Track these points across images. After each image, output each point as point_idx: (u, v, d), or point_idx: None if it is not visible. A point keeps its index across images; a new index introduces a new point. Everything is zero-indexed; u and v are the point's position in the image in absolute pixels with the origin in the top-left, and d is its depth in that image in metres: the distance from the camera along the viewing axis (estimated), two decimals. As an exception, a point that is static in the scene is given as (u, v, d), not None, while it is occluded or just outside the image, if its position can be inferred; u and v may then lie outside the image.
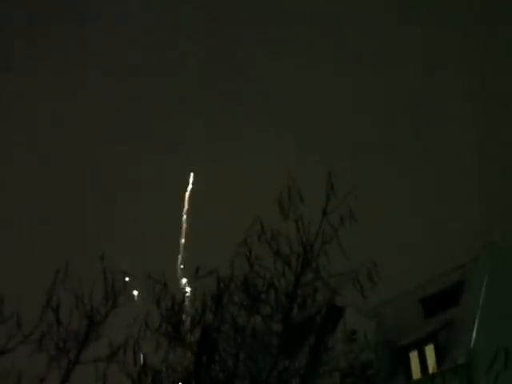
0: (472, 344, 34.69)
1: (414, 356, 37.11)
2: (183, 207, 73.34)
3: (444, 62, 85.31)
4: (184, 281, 18.11)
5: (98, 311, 17.99)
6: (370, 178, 69.20)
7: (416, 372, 36.66)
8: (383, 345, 36.54)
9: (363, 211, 18.11)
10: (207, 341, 17.88)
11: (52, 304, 17.81)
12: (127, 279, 17.86)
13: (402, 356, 37.32)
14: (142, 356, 17.57)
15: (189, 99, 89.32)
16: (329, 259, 17.36)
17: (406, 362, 37.17)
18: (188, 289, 18.06)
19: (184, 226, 70.96)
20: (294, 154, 75.74)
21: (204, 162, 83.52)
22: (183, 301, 17.32)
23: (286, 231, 17.25)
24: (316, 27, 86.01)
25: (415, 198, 77.79)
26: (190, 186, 75.32)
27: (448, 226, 70.84)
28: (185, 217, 72.41)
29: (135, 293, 18.16)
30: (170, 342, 17.46)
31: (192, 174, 75.71)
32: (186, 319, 17.45)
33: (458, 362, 33.91)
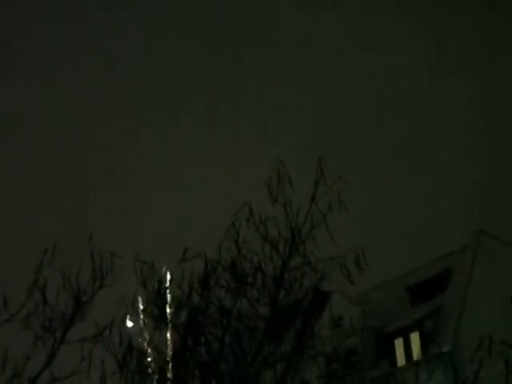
0: (457, 332, 34.85)
1: (399, 343, 37.28)
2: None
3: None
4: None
5: (85, 291, 17.98)
6: (358, 164, 69.33)
7: (401, 359, 36.84)
8: (368, 331, 36.68)
9: (352, 197, 18.15)
10: (193, 323, 17.91)
11: (39, 283, 17.80)
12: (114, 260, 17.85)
13: (386, 343, 37.47)
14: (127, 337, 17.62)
15: (182, 83, 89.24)
16: (317, 244, 17.40)
17: (390, 348, 37.35)
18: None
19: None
20: (283, 139, 75.77)
21: (194, 147, 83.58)
22: (170, 283, 17.35)
23: (274, 216, 17.28)
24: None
25: (405, 185, 77.99)
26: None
27: (437, 214, 71.08)
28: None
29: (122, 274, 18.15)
30: (155, 323, 17.50)
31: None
32: (173, 301, 17.48)
33: (442, 350, 34.06)
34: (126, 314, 17.32)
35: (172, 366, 18.30)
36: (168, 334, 18.17)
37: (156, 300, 17.34)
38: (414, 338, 36.86)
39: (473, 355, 15.26)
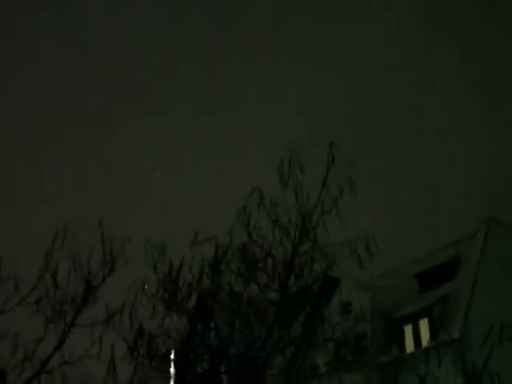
0: (466, 319, 34.79)
1: (408, 329, 37.23)
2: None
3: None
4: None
5: (96, 275, 18.06)
6: (369, 150, 69.14)
7: (410, 345, 36.77)
8: (378, 317, 36.70)
9: (362, 183, 18.12)
10: (203, 307, 17.96)
11: (50, 267, 17.88)
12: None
13: (396, 329, 37.42)
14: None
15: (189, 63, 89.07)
16: (327, 230, 17.39)
17: (399, 335, 37.32)
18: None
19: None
20: (295, 124, 75.64)
21: (205, 131, 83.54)
22: (180, 267, 17.36)
23: (285, 201, 17.28)
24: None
25: (415, 172, 77.84)
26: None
27: (446, 201, 70.99)
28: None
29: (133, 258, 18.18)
30: (166, 307, 17.53)
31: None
32: (183, 285, 17.50)
33: (451, 337, 33.98)
34: (136, 299, 17.33)
35: (182, 350, 18.36)
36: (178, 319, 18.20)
37: (166, 284, 17.36)
38: (423, 324, 36.77)
39: (484, 340, 15.27)
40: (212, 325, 18.37)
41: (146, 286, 17.38)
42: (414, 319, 37.35)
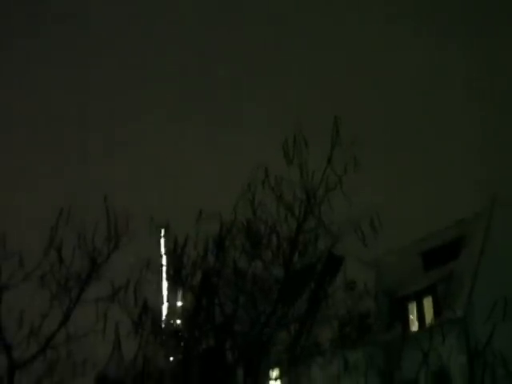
0: (470, 297, 34.85)
1: (412, 307, 37.32)
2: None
3: None
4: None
5: (101, 252, 18.11)
6: (374, 127, 68.94)
7: (414, 323, 36.88)
8: (382, 295, 36.74)
9: (367, 161, 18.08)
10: (208, 284, 17.98)
11: (54, 243, 17.93)
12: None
13: (400, 307, 37.50)
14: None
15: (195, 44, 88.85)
16: (332, 207, 17.37)
17: (404, 313, 37.38)
18: None
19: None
20: (300, 101, 75.45)
21: (209, 107, 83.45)
22: (185, 243, 17.37)
23: (289, 178, 17.26)
24: None
25: (419, 151, 77.69)
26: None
27: (451, 180, 70.83)
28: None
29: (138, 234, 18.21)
30: (170, 283, 17.57)
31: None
32: (188, 262, 17.52)
33: (455, 315, 34.05)
34: (141, 275, 17.37)
35: (187, 327, 18.41)
36: (183, 295, 18.25)
37: (171, 261, 17.39)
38: (427, 302, 36.85)
39: (487, 317, 15.30)
40: (217, 301, 18.39)
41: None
42: (418, 297, 37.41)
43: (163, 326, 18.11)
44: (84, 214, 18.24)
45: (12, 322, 17.98)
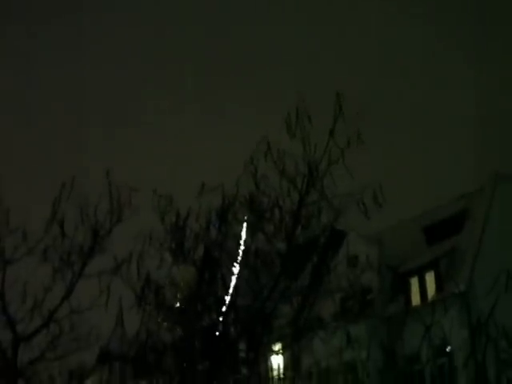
0: (473, 272, 34.83)
1: (414, 282, 37.30)
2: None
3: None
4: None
5: (103, 225, 18.11)
6: (378, 101, 68.67)
7: (416, 298, 36.87)
8: (384, 270, 36.76)
9: (370, 135, 18.01)
10: (210, 258, 17.98)
11: (57, 217, 17.94)
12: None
13: (402, 282, 37.49)
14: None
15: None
16: (334, 180, 17.31)
17: (406, 287, 37.38)
18: None
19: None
20: (303, 75, 75.28)
21: (212, 80, 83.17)
22: (187, 216, 17.34)
23: (292, 151, 17.19)
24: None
25: (423, 125, 77.49)
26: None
27: (455, 155, 70.74)
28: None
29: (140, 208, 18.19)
30: (173, 257, 17.54)
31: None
32: (190, 235, 17.50)
33: (458, 290, 34.05)
34: (143, 248, 17.34)
35: (189, 300, 18.41)
36: (186, 268, 18.23)
37: (174, 234, 17.36)
38: (430, 277, 36.79)
39: (489, 290, 15.31)
40: (219, 275, 18.39)
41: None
42: (420, 272, 37.36)
43: (166, 299, 18.10)
44: (86, 189, 18.25)
45: (15, 295, 18.04)
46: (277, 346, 20.12)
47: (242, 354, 18.89)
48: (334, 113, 16.85)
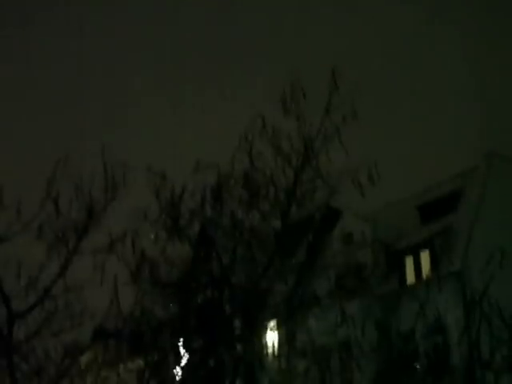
0: (467, 251, 34.88)
1: (409, 261, 37.35)
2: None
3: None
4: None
5: (98, 203, 18.07)
6: (373, 78, 68.48)
7: (410, 277, 36.93)
8: (379, 248, 36.77)
9: (365, 112, 17.97)
10: (205, 235, 17.97)
11: (52, 194, 17.89)
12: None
13: (397, 260, 37.55)
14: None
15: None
16: (329, 158, 17.29)
17: (400, 266, 37.42)
18: None
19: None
20: (298, 51, 75.03)
21: (206, 57, 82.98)
22: (182, 193, 17.31)
23: (287, 129, 17.16)
24: None
25: (419, 104, 77.38)
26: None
27: (450, 134, 70.73)
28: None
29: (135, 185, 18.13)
30: (168, 234, 17.51)
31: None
32: (185, 212, 17.47)
33: (452, 269, 34.13)
34: (138, 226, 17.32)
35: (184, 278, 18.42)
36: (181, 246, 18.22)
37: (169, 211, 17.32)
38: (424, 256, 36.84)
39: (484, 267, 15.36)
40: (214, 253, 18.39)
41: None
42: (415, 251, 37.41)
43: (161, 276, 18.10)
44: (81, 166, 18.20)
45: (10, 273, 18.02)
46: (272, 323, 20.15)
47: (237, 332, 18.93)
48: (329, 89, 16.81)
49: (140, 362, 20.43)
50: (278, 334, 21.19)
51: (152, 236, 17.29)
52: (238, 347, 19.06)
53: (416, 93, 78.84)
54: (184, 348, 18.79)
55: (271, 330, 20.53)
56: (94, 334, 25.63)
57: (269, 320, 19.87)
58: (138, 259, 17.50)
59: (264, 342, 21.59)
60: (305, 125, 16.88)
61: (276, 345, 21.73)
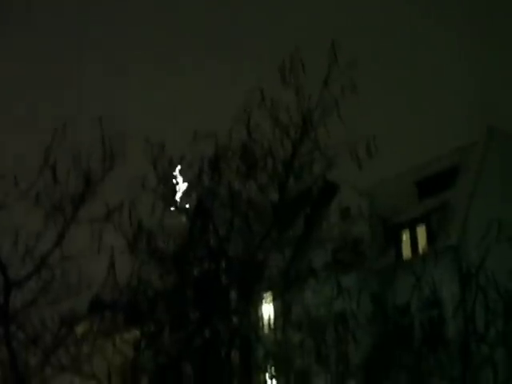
0: (464, 226, 34.93)
1: (405, 235, 37.40)
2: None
3: None
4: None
5: (95, 172, 18.06)
6: (374, 53, 68.16)
7: (407, 251, 37.01)
8: (376, 222, 36.81)
9: (364, 86, 17.91)
10: (203, 206, 17.97)
11: (50, 163, 17.87)
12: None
13: (393, 235, 37.62)
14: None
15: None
16: (328, 131, 17.26)
17: (397, 240, 37.48)
18: None
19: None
20: (298, 23, 74.62)
21: (206, 27, 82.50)
22: (180, 163, 17.30)
23: (286, 101, 17.11)
24: None
25: (419, 78, 77.10)
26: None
27: (449, 109, 70.51)
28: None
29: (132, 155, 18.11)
30: (165, 205, 17.51)
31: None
32: (183, 182, 17.46)
33: (449, 243, 34.18)
34: (135, 195, 17.31)
35: (181, 249, 18.44)
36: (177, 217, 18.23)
37: (166, 181, 17.31)
38: (421, 231, 36.91)
39: (481, 239, 15.39)
40: (211, 225, 18.39)
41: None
42: (411, 225, 37.46)
43: (158, 246, 18.12)
44: (79, 135, 18.16)
45: (7, 241, 18.03)
46: (268, 295, 20.21)
47: (234, 304, 18.98)
48: (328, 61, 16.74)
49: (136, 333, 20.50)
50: (274, 306, 21.26)
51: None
52: (234, 319, 19.13)
53: (416, 67, 78.56)
54: (180, 319, 18.86)
55: (267, 302, 20.60)
56: (90, 305, 25.73)
57: (265, 292, 19.92)
58: (135, 229, 17.50)
59: (260, 314, 21.68)
60: (304, 97, 16.82)
61: (272, 317, 21.81)
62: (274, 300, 20.57)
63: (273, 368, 20.58)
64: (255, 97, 16.98)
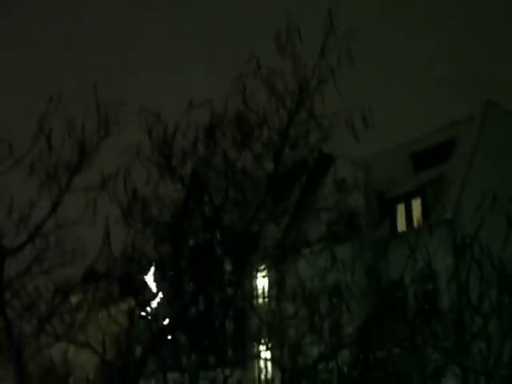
0: (459, 199, 34.97)
1: (400, 208, 37.46)
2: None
3: None
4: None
5: (90, 140, 17.98)
6: (372, 26, 67.99)
7: (401, 224, 37.08)
8: (371, 195, 36.86)
9: (361, 56, 17.79)
10: (198, 175, 17.91)
11: (44, 131, 17.79)
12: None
13: (388, 208, 37.66)
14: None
15: None
16: (324, 100, 17.13)
17: (392, 213, 37.55)
18: None
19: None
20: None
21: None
22: (175, 131, 17.18)
23: (282, 70, 16.97)
24: None
25: (417, 51, 76.92)
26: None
27: (445, 83, 70.48)
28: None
29: (127, 123, 18.01)
30: (160, 173, 17.43)
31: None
32: (178, 151, 17.36)
33: (444, 217, 34.24)
34: (130, 163, 17.22)
35: (176, 218, 18.40)
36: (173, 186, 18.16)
37: (161, 149, 17.21)
38: (416, 204, 36.98)
39: (475, 209, 15.37)
40: (206, 195, 18.34)
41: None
42: (406, 198, 37.56)
43: (153, 215, 18.08)
44: (74, 103, 18.08)
45: (1, 210, 18.01)
46: (262, 266, 20.22)
47: (228, 275, 18.99)
48: (325, 30, 16.59)
49: (131, 302, 20.55)
50: (269, 276, 21.29)
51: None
52: (229, 290, 19.15)
53: (414, 40, 78.37)
54: (174, 288, 18.88)
55: (262, 273, 20.62)
56: (84, 275, 25.80)
57: (259, 263, 19.92)
58: (129, 198, 17.44)
59: (254, 285, 21.72)
60: (300, 66, 16.69)
61: (266, 288, 21.85)
62: (269, 271, 20.58)
63: (267, 338, 20.62)
64: (251, 65, 16.82)
